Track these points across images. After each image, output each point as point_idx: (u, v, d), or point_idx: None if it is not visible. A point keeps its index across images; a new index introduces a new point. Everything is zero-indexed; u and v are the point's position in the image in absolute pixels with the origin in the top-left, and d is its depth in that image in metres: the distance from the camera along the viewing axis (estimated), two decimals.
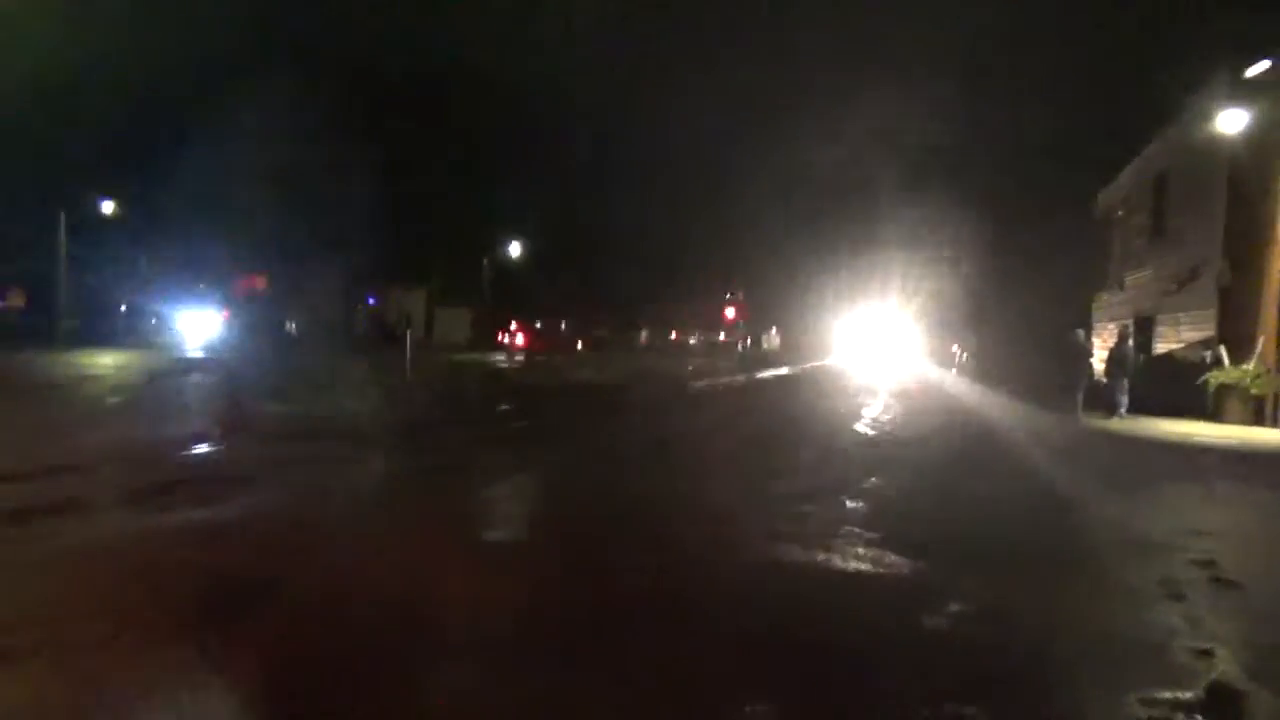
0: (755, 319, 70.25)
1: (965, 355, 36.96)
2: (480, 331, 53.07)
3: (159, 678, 3.37)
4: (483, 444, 11.12)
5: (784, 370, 40.15)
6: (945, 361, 41.99)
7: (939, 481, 9.01)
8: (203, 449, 9.24)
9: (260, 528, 5.91)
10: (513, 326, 47.94)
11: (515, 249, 38.47)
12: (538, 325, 48.89)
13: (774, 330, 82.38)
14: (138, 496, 6.66)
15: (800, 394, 23.62)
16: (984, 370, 30.50)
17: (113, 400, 14.51)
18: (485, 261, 35.22)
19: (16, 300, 38.70)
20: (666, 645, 3.85)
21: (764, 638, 4.04)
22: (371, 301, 48.55)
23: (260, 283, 42.59)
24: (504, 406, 15.66)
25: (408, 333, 19.99)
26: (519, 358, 40.48)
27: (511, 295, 52.03)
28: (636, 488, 7.99)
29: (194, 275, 51.17)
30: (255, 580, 4.65)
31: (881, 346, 55.37)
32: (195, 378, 19.62)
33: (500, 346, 46.49)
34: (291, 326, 56.24)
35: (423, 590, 4.66)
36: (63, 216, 35.61)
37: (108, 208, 38.89)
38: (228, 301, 51.00)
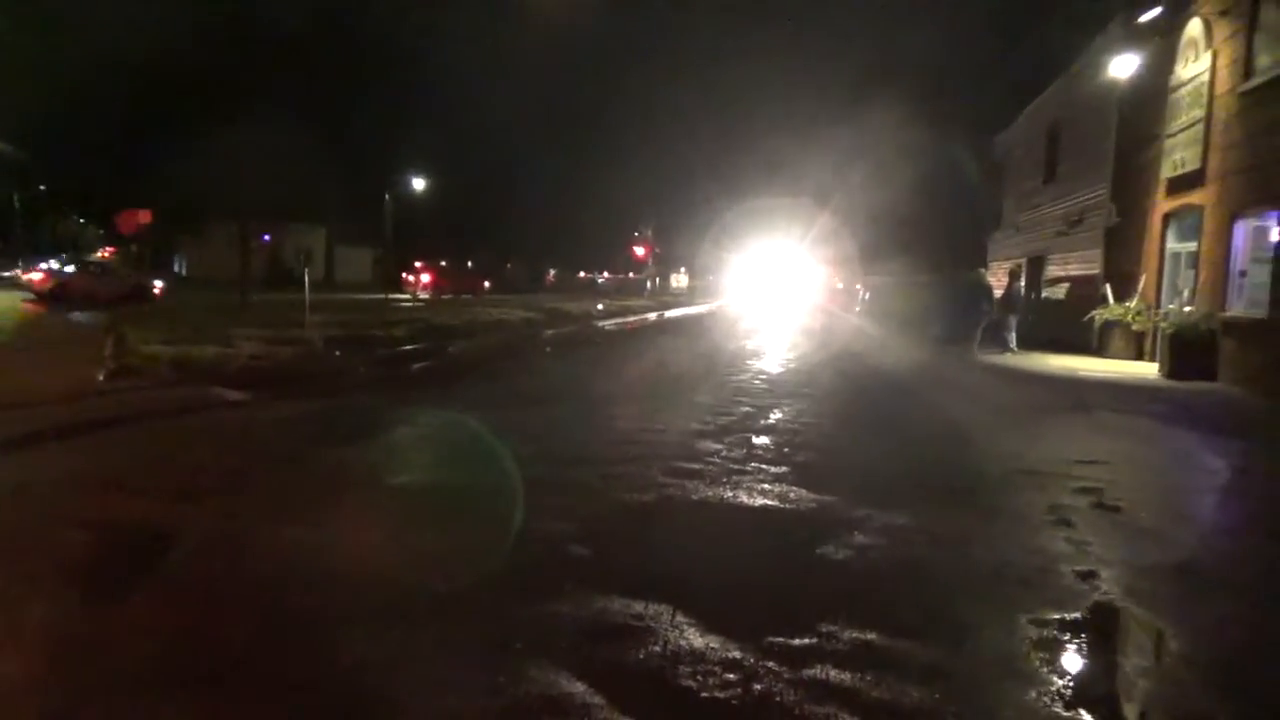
0: (664, 259, 70.40)
1: (867, 295, 37.77)
2: (384, 272, 51.65)
3: None
4: (386, 385, 10.87)
5: (692, 309, 40.47)
6: (849, 301, 42.90)
7: (840, 417, 9.21)
8: (78, 396, 8.75)
9: (135, 473, 5.65)
10: (417, 266, 46.79)
11: (419, 184, 37.34)
12: (443, 265, 47.89)
13: (682, 270, 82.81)
14: (13, 444, 6.31)
15: (707, 332, 23.83)
16: (885, 310, 31.24)
17: None
18: (387, 198, 33.99)
19: None
20: (563, 583, 3.82)
21: (670, 571, 4.07)
22: (266, 239, 46.53)
23: (145, 217, 40.18)
24: (406, 346, 15.31)
25: (306, 271, 19.17)
26: (424, 297, 39.66)
27: (416, 236, 50.69)
28: (540, 428, 7.93)
29: (74, 211, 48.21)
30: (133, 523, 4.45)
31: (788, 287, 56.13)
32: (78, 317, 18.60)
33: (405, 287, 45.38)
34: (180, 265, 53.64)
35: (305, 540, 4.52)
36: None
37: None
38: (112, 238, 48.30)
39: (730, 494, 5.48)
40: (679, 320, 30.97)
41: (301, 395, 9.51)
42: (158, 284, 27.51)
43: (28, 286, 26.15)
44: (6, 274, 36.63)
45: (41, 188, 48.16)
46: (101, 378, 9.64)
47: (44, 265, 28.47)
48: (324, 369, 11.97)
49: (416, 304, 32.56)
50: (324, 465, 6.08)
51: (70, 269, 28.10)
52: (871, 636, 3.32)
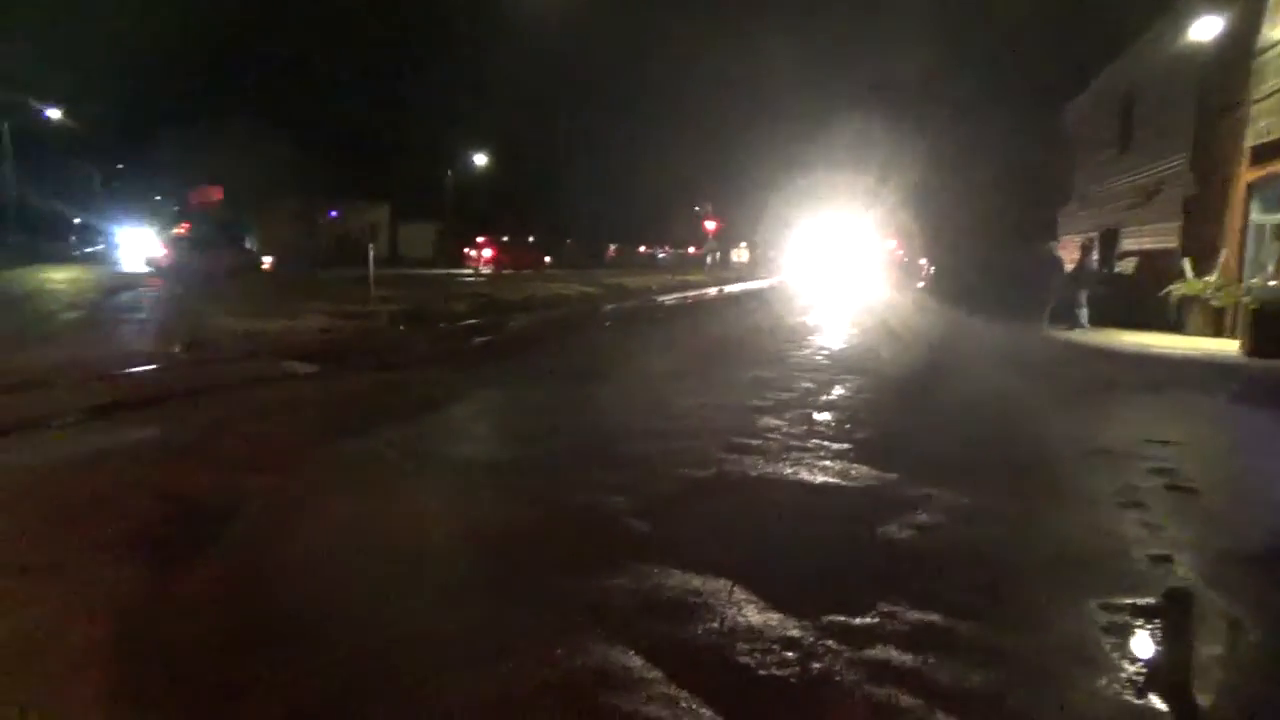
0: (724, 234, 69.89)
1: (932, 270, 37.03)
2: (445, 247, 52.23)
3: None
4: (448, 359, 11.00)
5: (752, 284, 40.17)
6: (912, 275, 42.12)
7: (903, 394, 9.06)
8: (156, 367, 9.05)
9: (205, 443, 5.82)
10: (479, 241, 47.12)
11: (480, 160, 37.68)
12: (505, 240, 48.10)
13: (743, 245, 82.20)
14: (94, 413, 6.55)
15: (767, 306, 23.63)
16: (950, 283, 30.60)
17: (67, 316, 14.15)
18: (449, 174, 34.31)
19: None
20: (621, 558, 3.83)
21: (728, 548, 4.05)
22: (333, 216, 47.39)
23: (217, 194, 41.24)
24: (468, 321, 15.50)
25: (370, 248, 19.55)
26: (485, 272, 40.02)
27: (477, 211, 51.14)
28: (599, 402, 7.95)
29: (150, 188, 49.72)
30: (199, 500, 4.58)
31: (849, 262, 55.24)
32: (150, 293, 19.20)
33: (466, 262, 45.77)
34: (250, 242, 55.11)
35: (372, 522, 4.60)
36: (5, 127, 34.19)
37: (55, 115, 37.29)
38: (184, 215, 49.74)
39: (790, 470, 5.43)
40: (739, 295, 30.76)
41: (367, 368, 9.69)
42: (266, 259, 28.49)
43: (150, 262, 27.41)
44: (89, 249, 38.00)
45: (119, 166, 49.76)
46: (177, 350, 9.97)
47: (121, 241, 29.60)
48: (389, 343, 12.18)
49: (478, 279, 32.89)
50: (386, 437, 6.18)
51: (182, 245, 29.04)
52: (934, 618, 3.26)
